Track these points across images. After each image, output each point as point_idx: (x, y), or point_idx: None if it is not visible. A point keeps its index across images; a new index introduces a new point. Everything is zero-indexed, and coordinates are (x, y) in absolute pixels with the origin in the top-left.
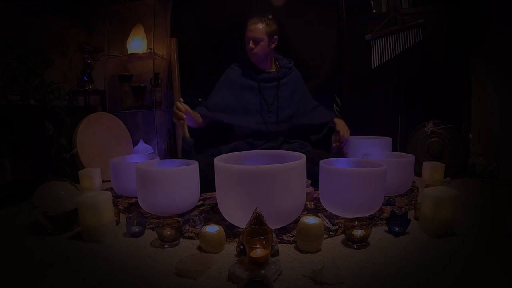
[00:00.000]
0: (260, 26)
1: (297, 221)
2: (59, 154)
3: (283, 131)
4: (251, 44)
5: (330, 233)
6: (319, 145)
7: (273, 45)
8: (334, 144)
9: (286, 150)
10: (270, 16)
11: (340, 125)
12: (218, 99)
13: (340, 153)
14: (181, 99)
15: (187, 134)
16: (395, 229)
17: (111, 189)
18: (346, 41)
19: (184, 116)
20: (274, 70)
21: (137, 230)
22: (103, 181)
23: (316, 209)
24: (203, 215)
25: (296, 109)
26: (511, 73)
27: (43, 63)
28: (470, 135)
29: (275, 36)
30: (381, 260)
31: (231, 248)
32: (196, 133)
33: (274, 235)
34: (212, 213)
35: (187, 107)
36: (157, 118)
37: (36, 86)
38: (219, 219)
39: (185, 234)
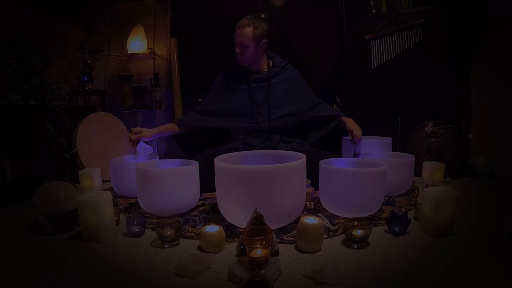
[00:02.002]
0: (247, 30)
1: (297, 221)
2: (59, 154)
3: (277, 128)
4: (237, 50)
5: (330, 233)
6: (319, 145)
7: (262, 49)
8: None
9: (284, 149)
10: (262, 16)
11: (351, 124)
12: (207, 104)
13: (354, 154)
14: (132, 128)
15: (136, 153)
16: (395, 229)
17: (111, 189)
18: (346, 41)
19: (134, 144)
20: (266, 70)
21: (137, 230)
22: (103, 181)
23: (316, 209)
24: (203, 215)
25: (291, 108)
26: (511, 73)
27: (43, 63)
28: (470, 135)
29: (264, 40)
30: (381, 260)
31: (231, 248)
32: (191, 138)
33: (274, 235)
34: (212, 213)
35: (140, 135)
36: (157, 118)
37: (36, 86)
38: (219, 219)
39: (185, 234)
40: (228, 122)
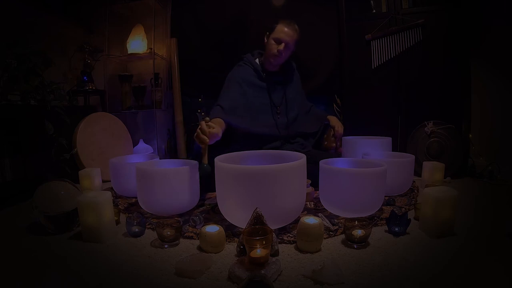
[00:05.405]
0: (295, 34)
1: (297, 221)
2: (59, 154)
3: (292, 135)
4: (281, 47)
5: (330, 233)
6: (316, 146)
7: (291, 54)
8: (325, 142)
9: (287, 150)
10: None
11: (334, 121)
12: (231, 99)
13: (336, 151)
14: (207, 118)
15: (206, 161)
16: (395, 229)
17: (111, 189)
18: (346, 41)
19: (207, 140)
20: (280, 72)
21: (137, 230)
22: (103, 181)
23: (316, 209)
24: (203, 215)
25: (298, 111)
26: (511, 73)
27: (43, 63)
28: (470, 135)
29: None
30: (381, 260)
31: (231, 248)
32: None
33: (274, 235)
34: (212, 213)
35: (214, 130)
36: (157, 118)
37: (36, 86)
38: (219, 219)
39: (185, 234)
40: (255, 124)
